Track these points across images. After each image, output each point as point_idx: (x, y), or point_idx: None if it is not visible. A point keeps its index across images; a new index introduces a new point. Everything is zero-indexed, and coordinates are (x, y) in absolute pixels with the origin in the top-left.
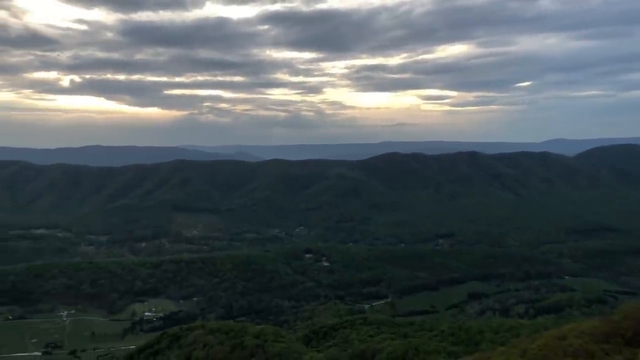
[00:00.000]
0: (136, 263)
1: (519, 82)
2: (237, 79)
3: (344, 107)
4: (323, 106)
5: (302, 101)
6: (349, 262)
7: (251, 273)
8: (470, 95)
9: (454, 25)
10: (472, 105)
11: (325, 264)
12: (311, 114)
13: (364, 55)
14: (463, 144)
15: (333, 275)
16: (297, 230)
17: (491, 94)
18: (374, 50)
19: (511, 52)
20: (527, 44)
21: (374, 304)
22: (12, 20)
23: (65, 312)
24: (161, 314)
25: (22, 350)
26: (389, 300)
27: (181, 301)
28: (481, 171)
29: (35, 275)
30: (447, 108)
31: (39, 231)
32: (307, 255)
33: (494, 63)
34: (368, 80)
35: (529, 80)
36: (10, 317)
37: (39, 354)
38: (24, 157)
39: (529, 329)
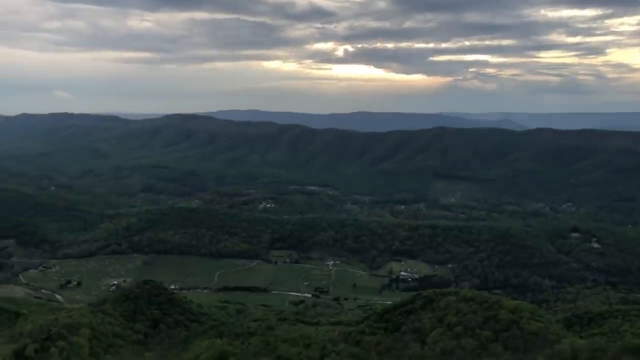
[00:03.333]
0: (395, 224)
1: None
2: (506, 42)
3: (631, 69)
4: (604, 69)
5: (578, 64)
6: (626, 247)
7: (510, 246)
8: None
9: None
10: None
11: (596, 245)
12: (589, 78)
13: None
14: None
15: (604, 259)
16: (563, 206)
17: None
18: None
19: None
20: None
21: None
22: None
23: (331, 261)
24: (416, 275)
25: (296, 290)
26: None
27: (436, 266)
28: None
29: (308, 227)
30: None
31: (312, 188)
32: (574, 235)
33: None
34: None
35: None
36: (288, 261)
37: (309, 295)
38: (303, 121)
39: None
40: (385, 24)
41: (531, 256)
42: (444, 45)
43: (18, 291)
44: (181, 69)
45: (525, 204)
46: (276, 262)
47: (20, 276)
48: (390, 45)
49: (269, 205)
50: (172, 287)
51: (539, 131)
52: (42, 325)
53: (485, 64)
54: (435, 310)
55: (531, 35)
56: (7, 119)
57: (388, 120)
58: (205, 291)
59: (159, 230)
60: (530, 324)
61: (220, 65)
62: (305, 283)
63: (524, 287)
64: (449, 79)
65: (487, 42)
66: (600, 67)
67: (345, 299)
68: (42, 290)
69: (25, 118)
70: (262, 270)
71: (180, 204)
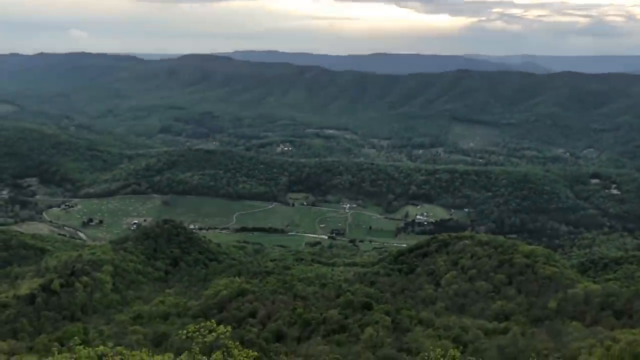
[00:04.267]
0: (412, 169)
1: None
2: None
3: None
4: (636, 10)
5: (609, 5)
6: None
7: (527, 191)
8: None
9: None
10: None
11: (615, 192)
12: (619, 19)
13: None
14: None
15: (623, 206)
16: (584, 152)
17: None
18: None
19: None
20: None
21: None
22: None
23: (348, 205)
24: (432, 219)
25: (313, 231)
26: None
27: (452, 210)
28: None
29: (325, 170)
30: None
31: (330, 131)
32: (594, 181)
33: None
34: None
35: None
36: (305, 203)
37: (325, 237)
38: (320, 62)
39: None
40: None
41: (549, 201)
42: None
43: (42, 228)
44: (198, 8)
45: (545, 149)
46: (293, 205)
47: (44, 214)
48: None
49: (286, 149)
50: (191, 227)
51: (563, 75)
52: (66, 261)
53: (511, 3)
54: (450, 253)
55: None
56: (25, 57)
57: (408, 62)
58: (223, 231)
59: (178, 171)
60: (544, 268)
61: (237, 4)
62: (322, 225)
63: (540, 232)
64: (473, 19)
65: None
66: (631, 8)
67: (361, 241)
68: (66, 228)
69: (43, 57)
70: (280, 212)
71: (198, 146)
